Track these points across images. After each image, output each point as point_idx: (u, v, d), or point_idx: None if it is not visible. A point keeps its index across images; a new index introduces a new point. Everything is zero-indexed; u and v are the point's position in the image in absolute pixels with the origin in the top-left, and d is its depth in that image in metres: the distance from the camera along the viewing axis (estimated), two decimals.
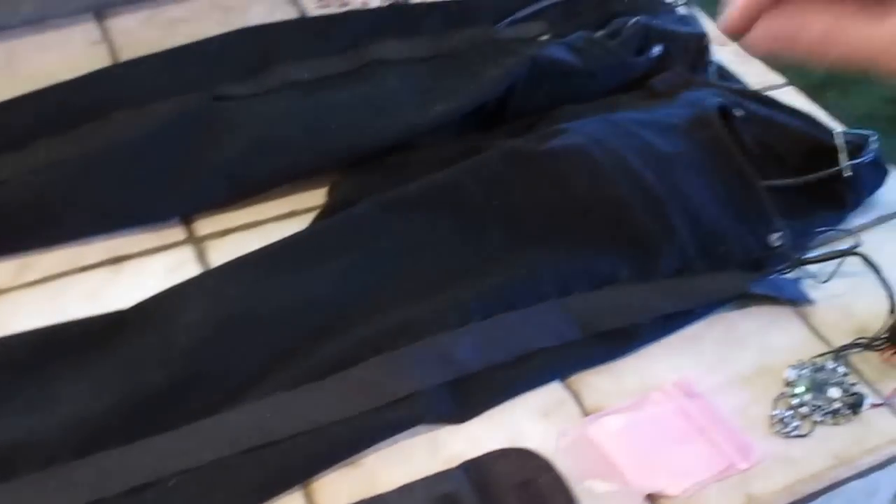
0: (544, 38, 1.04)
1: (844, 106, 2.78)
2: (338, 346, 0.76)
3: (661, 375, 0.79)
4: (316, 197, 0.90)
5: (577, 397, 0.77)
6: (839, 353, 0.81)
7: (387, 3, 1.12)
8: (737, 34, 0.64)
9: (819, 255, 0.86)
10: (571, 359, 0.79)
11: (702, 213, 0.86)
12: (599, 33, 1.04)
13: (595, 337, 0.79)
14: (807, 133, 0.94)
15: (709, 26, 1.10)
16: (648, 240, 0.84)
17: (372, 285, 0.79)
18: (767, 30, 0.62)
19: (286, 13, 1.10)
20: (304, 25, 1.05)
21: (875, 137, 0.94)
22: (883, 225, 0.93)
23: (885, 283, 0.84)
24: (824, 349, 0.81)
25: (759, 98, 0.98)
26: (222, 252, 0.85)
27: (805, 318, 0.84)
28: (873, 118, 2.80)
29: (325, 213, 0.87)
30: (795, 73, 1.07)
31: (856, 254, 0.85)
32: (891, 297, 0.84)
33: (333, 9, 1.11)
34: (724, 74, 1.06)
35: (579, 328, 0.79)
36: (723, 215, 0.86)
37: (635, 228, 0.84)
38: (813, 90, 2.83)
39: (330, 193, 0.89)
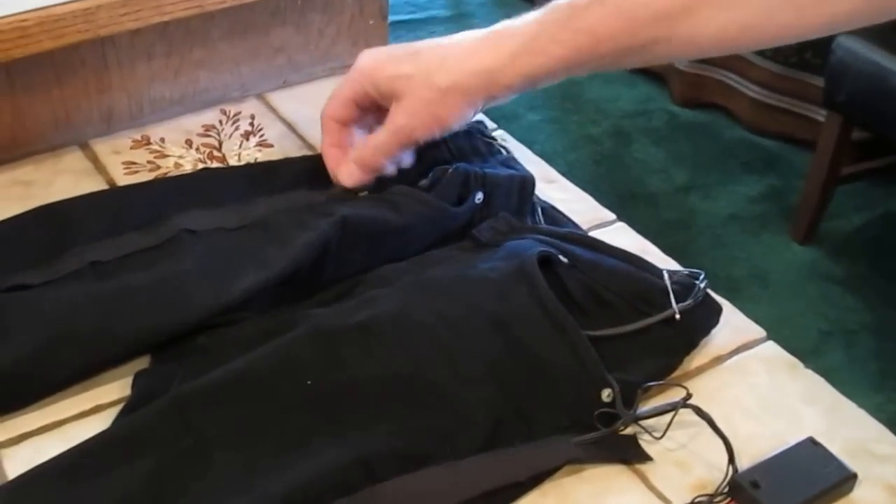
0: (362, 193, 1.00)
1: (708, 207, 2.83)
2: None
3: None
4: (122, 388, 0.84)
5: None
6: None
7: (199, 166, 1.07)
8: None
9: (651, 410, 0.82)
10: None
11: (524, 376, 0.82)
12: (422, 182, 1.01)
13: None
14: (635, 276, 0.91)
15: (533, 167, 1.07)
16: (464, 414, 0.79)
17: (173, 490, 0.74)
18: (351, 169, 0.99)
19: (93, 184, 1.04)
20: (106, 198, 1.00)
21: (703, 276, 0.91)
22: (719, 367, 0.90)
23: (720, 434, 0.81)
24: None
25: (584, 241, 0.95)
26: (19, 461, 0.78)
27: (643, 478, 0.80)
28: (738, 218, 2.83)
29: (128, 408, 0.81)
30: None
31: (689, 406, 0.81)
32: (728, 448, 0.80)
33: (142, 175, 1.06)
34: (551, 216, 1.03)
35: None
36: (548, 376, 0.82)
37: (449, 403, 0.79)
38: (676, 193, 2.86)
39: (133, 385, 0.84)
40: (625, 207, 1.06)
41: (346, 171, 0.99)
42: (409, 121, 0.95)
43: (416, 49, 0.97)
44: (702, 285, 0.90)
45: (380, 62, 0.98)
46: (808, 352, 0.89)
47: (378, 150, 0.97)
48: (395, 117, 0.96)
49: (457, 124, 0.97)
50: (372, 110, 1.01)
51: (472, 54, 0.93)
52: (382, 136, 0.97)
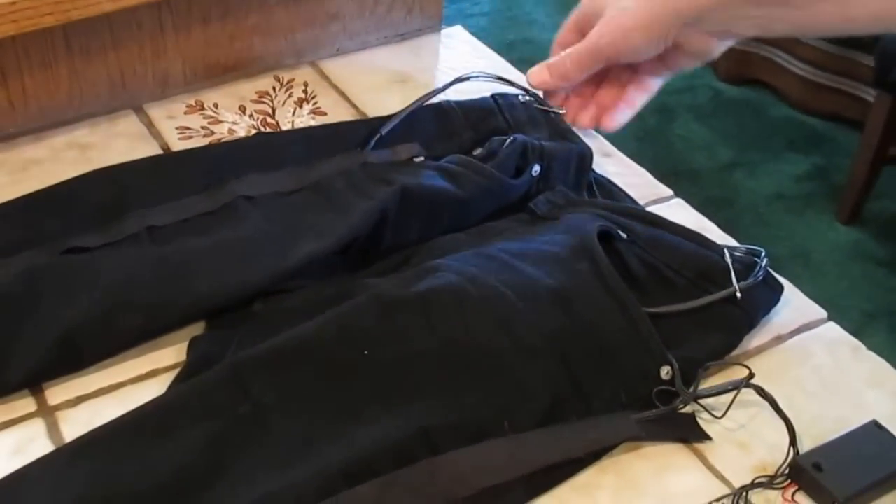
0: (419, 159, 0.99)
1: (752, 186, 2.80)
2: None
3: None
4: (178, 353, 0.84)
5: None
6: (739, 495, 0.76)
7: (252, 132, 1.07)
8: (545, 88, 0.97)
9: (712, 389, 0.81)
10: None
11: (583, 351, 0.81)
12: (477, 151, 1.00)
13: (472, 497, 0.73)
14: (696, 253, 0.90)
15: (590, 140, 1.06)
16: (523, 388, 0.78)
17: (230, 457, 0.73)
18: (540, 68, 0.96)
19: (147, 148, 1.04)
20: (163, 162, 0.99)
21: (763, 254, 0.90)
22: (780, 346, 0.89)
23: (781, 414, 0.80)
24: (724, 490, 0.77)
25: (644, 217, 0.94)
26: (76, 423, 0.78)
27: (702, 457, 0.79)
28: (782, 197, 2.80)
29: (184, 373, 0.81)
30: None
31: (751, 386, 0.80)
32: (790, 429, 0.79)
33: (196, 140, 1.05)
34: (608, 190, 1.02)
35: (448, 491, 0.73)
36: (607, 351, 0.81)
37: (509, 377, 0.79)
38: (720, 171, 2.83)
39: (189, 351, 0.83)
40: (667, 184, 1.05)
41: (536, 70, 0.96)
42: (599, 31, 0.91)
43: None
44: (763, 263, 0.89)
45: None
46: (851, 333, 0.89)
47: (570, 58, 0.94)
48: (594, 28, 0.92)
49: (643, 47, 0.91)
50: None
51: None
52: (577, 45, 0.93)
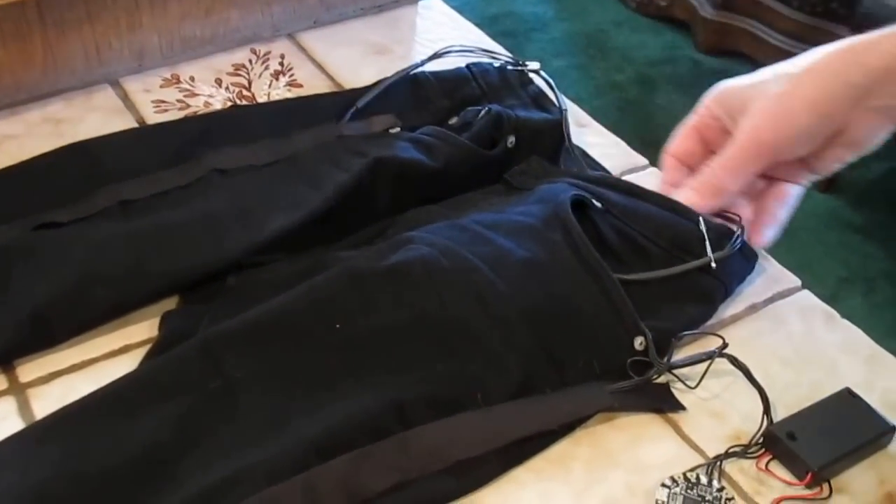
0: (394, 130, 0.99)
1: None
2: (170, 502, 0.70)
3: None
4: (151, 328, 0.84)
5: None
6: (713, 465, 0.76)
7: (228, 105, 1.06)
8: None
9: (686, 360, 0.81)
10: (419, 499, 0.72)
11: (557, 322, 0.81)
12: (452, 120, 1.00)
13: (447, 470, 0.73)
14: (671, 222, 0.90)
15: (567, 105, 1.06)
16: (496, 360, 0.78)
17: (202, 432, 0.73)
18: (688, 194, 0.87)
19: (122, 121, 1.03)
20: (137, 136, 0.99)
21: (740, 220, 0.90)
22: (755, 315, 0.89)
23: (755, 383, 0.80)
24: (698, 460, 0.77)
25: (619, 186, 0.93)
26: (48, 400, 0.78)
27: (676, 427, 0.79)
28: None
29: (156, 349, 0.80)
30: None
31: (724, 355, 0.80)
32: (763, 398, 0.79)
33: (172, 113, 1.04)
34: (583, 160, 1.02)
35: (422, 464, 0.72)
36: (580, 322, 0.81)
37: (482, 349, 0.78)
38: None
39: (161, 326, 0.83)
40: (649, 154, 1.05)
41: (683, 197, 0.88)
42: (754, 125, 0.82)
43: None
44: (738, 231, 0.89)
45: (730, 82, 0.90)
46: (828, 298, 0.90)
47: (722, 166, 0.86)
48: (743, 124, 0.84)
49: (808, 131, 0.83)
50: (719, 146, 0.90)
51: (830, 44, 0.81)
52: (727, 149, 0.85)
